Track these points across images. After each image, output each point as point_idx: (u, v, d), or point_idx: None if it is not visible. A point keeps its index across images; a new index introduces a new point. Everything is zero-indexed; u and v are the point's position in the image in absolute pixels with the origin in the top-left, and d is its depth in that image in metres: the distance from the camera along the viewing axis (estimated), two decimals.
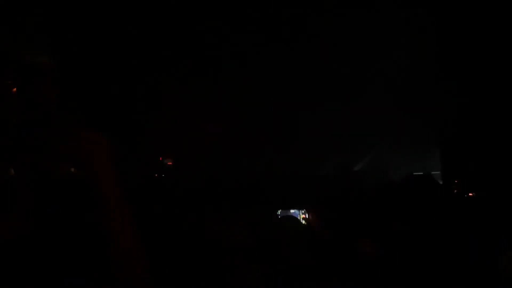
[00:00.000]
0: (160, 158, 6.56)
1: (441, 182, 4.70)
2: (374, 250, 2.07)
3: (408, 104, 5.97)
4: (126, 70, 5.80)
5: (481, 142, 5.07)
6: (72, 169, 1.11)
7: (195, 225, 1.77)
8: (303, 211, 2.23)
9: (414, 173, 3.63)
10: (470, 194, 3.59)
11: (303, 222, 2.20)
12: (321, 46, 5.70)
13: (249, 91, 6.06)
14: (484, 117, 5.07)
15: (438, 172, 5.60)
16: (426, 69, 5.62)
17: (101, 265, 1.10)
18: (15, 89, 1.20)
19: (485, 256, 2.02)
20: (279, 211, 2.29)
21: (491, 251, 2.24)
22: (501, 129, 4.92)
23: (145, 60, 5.82)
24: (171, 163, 6.59)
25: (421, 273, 1.84)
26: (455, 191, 4.29)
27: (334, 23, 5.53)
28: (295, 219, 2.21)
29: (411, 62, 5.65)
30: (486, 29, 4.89)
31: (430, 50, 5.45)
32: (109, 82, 5.71)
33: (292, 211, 2.23)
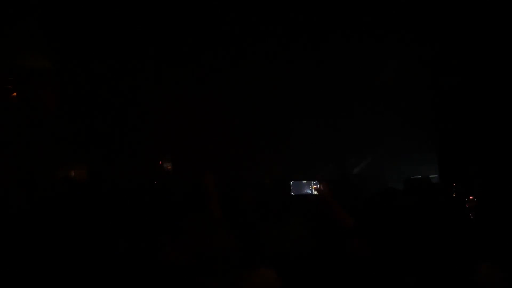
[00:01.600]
0: (160, 162, 6.58)
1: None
2: (369, 251, 2.10)
3: (405, 109, 6.02)
4: (125, 74, 5.84)
5: (477, 146, 5.10)
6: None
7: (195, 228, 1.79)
8: (314, 182, 2.33)
9: (412, 177, 3.66)
10: (471, 197, 3.60)
11: (314, 192, 2.32)
12: (320, 53, 5.76)
13: (249, 95, 6.11)
14: (480, 121, 5.10)
15: (436, 176, 5.62)
16: (423, 74, 5.68)
17: None
18: (15, 93, 1.25)
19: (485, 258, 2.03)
20: (291, 182, 2.38)
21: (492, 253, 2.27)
22: (498, 133, 4.96)
23: (145, 63, 5.86)
24: (170, 167, 6.62)
25: (422, 274, 1.86)
26: (454, 194, 4.30)
27: (332, 31, 5.59)
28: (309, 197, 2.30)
29: (409, 69, 5.71)
30: (482, 35, 4.94)
31: (427, 57, 5.51)
32: (109, 85, 5.75)
33: (304, 182, 2.33)
